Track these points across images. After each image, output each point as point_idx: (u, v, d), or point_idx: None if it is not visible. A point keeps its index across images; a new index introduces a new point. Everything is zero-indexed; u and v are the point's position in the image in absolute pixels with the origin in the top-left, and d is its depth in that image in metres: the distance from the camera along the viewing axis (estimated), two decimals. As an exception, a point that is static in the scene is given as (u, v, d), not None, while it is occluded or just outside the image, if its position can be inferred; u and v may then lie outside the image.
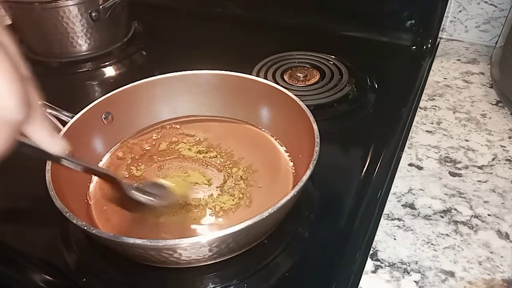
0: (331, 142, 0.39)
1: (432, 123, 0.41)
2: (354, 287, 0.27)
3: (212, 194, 0.33)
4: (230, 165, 0.36)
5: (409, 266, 0.28)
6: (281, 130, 0.38)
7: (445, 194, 0.33)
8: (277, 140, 0.39)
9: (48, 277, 0.30)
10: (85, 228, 0.25)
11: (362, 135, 0.42)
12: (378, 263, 0.28)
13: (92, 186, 0.35)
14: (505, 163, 0.36)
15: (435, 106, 0.44)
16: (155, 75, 0.40)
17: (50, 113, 0.33)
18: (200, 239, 0.24)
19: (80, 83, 0.53)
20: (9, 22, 0.56)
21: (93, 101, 0.36)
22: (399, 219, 0.31)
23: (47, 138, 0.20)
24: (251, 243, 0.29)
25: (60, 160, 0.22)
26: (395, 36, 0.55)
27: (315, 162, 0.29)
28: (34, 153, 0.20)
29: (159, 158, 0.37)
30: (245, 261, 0.29)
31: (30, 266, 0.31)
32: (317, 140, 0.30)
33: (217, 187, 0.34)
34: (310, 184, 0.34)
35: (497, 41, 0.49)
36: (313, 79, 0.48)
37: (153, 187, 0.30)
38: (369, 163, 0.37)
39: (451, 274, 0.27)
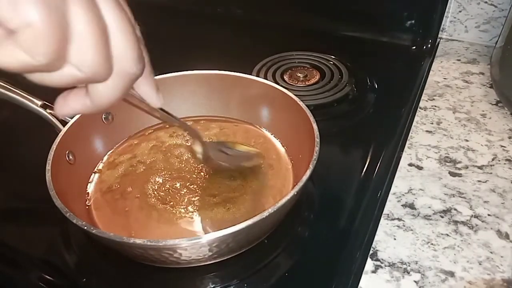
0: (331, 142, 0.39)
1: (432, 123, 0.41)
2: (354, 287, 0.27)
3: (211, 193, 0.33)
4: (230, 165, 0.36)
5: (409, 266, 0.28)
6: (281, 130, 0.38)
7: (445, 194, 0.33)
8: (277, 140, 0.39)
9: (48, 277, 0.30)
10: (85, 228, 0.25)
11: (362, 135, 0.42)
12: (378, 263, 0.28)
13: (92, 186, 0.35)
14: (505, 163, 0.36)
15: (435, 106, 0.44)
16: (155, 75, 0.40)
17: (50, 113, 0.33)
18: (200, 239, 0.24)
19: (80, 83, 0.53)
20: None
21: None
22: (399, 219, 0.31)
23: (151, 93, 0.23)
24: (251, 243, 0.29)
25: (154, 112, 0.25)
26: (395, 36, 0.55)
27: (315, 162, 0.29)
28: (136, 103, 0.23)
29: (159, 158, 0.37)
30: (245, 261, 0.29)
31: (30, 266, 0.31)
32: (317, 140, 0.30)
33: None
34: (310, 184, 0.34)
35: (497, 41, 0.49)
36: (313, 79, 0.48)
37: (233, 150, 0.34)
38: (369, 163, 0.37)
39: (451, 274, 0.27)
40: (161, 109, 0.25)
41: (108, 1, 0.17)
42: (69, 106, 0.19)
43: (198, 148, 0.32)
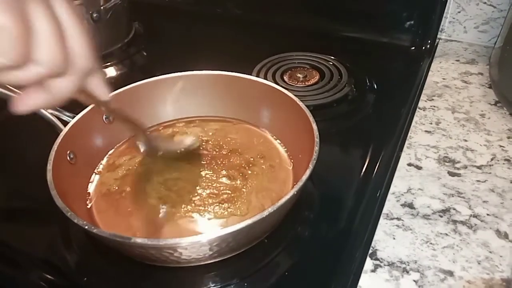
0: (331, 142, 0.39)
1: (431, 123, 0.41)
2: (353, 286, 0.27)
3: (211, 193, 0.33)
4: (230, 165, 0.36)
5: (408, 265, 0.28)
6: (281, 130, 0.39)
7: (444, 193, 0.33)
8: (277, 140, 0.39)
9: (49, 277, 0.30)
10: (86, 227, 0.25)
11: (361, 135, 0.42)
12: (378, 262, 0.28)
13: (93, 186, 0.35)
14: (503, 163, 0.36)
15: (434, 106, 0.44)
16: (156, 76, 0.40)
17: (51, 113, 0.34)
18: (201, 238, 0.24)
19: (81, 83, 0.53)
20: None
21: (94, 102, 0.36)
22: (398, 219, 0.31)
23: (100, 86, 0.23)
24: (251, 242, 0.29)
25: (101, 105, 0.26)
26: (394, 37, 0.55)
27: (315, 161, 0.29)
28: (84, 99, 0.24)
29: (160, 158, 0.37)
30: (245, 260, 0.29)
31: (30, 265, 0.31)
32: (317, 140, 0.31)
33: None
34: (309, 184, 0.35)
35: (495, 42, 0.49)
36: (312, 79, 0.48)
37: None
38: (368, 163, 0.38)
39: (450, 273, 0.27)
40: (105, 103, 0.26)
41: (61, 1, 0.18)
42: (31, 102, 0.20)
43: (141, 140, 0.33)
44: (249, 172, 0.35)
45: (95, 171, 0.36)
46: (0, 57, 0.16)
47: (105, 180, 0.35)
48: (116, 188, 0.34)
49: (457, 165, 0.36)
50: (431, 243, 0.29)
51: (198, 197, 0.33)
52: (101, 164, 0.37)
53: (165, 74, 0.40)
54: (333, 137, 0.41)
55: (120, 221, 0.31)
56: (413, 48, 0.55)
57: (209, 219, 0.31)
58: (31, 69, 0.17)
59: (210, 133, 0.40)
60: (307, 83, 0.48)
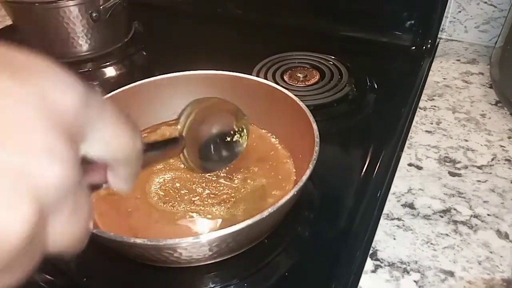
0: (331, 142, 0.39)
1: (432, 123, 0.41)
2: (354, 286, 0.27)
3: (211, 193, 0.33)
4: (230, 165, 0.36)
5: (408, 265, 0.28)
6: (281, 130, 0.38)
7: (444, 194, 0.33)
8: (277, 140, 0.39)
9: (48, 277, 0.30)
10: (86, 227, 0.25)
11: (361, 135, 0.42)
12: (378, 262, 0.28)
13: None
14: (504, 163, 0.36)
15: (435, 106, 0.44)
16: (156, 76, 0.40)
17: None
18: (200, 238, 0.24)
19: (81, 83, 0.53)
20: (9, 22, 0.56)
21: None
22: (398, 219, 0.31)
23: (122, 184, 0.17)
24: (251, 243, 0.29)
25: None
26: (394, 37, 0.55)
27: (315, 161, 0.29)
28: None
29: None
30: (245, 261, 0.29)
31: (30, 266, 0.31)
32: (317, 140, 0.30)
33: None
34: (310, 184, 0.34)
35: (496, 41, 0.49)
36: (313, 79, 0.48)
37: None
38: (368, 163, 0.37)
39: (451, 273, 0.27)
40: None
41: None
42: None
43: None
44: (249, 172, 0.35)
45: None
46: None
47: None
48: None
49: (458, 165, 0.36)
50: (431, 244, 0.29)
51: (197, 197, 0.33)
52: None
53: (165, 73, 0.40)
54: (334, 137, 0.41)
55: (120, 222, 0.31)
56: (414, 47, 0.55)
57: (209, 219, 0.31)
58: None
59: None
60: (307, 83, 0.48)
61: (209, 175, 0.35)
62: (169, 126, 0.41)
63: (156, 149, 0.24)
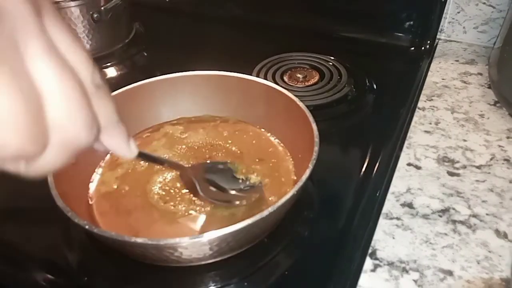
0: (331, 142, 0.39)
1: (431, 123, 0.41)
2: (353, 286, 0.27)
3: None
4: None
5: (407, 265, 0.28)
6: (281, 130, 0.39)
7: (443, 193, 0.33)
8: (277, 140, 0.39)
9: (50, 276, 0.30)
10: (87, 227, 0.25)
11: (361, 135, 0.42)
12: (377, 262, 0.28)
13: (93, 186, 0.35)
14: (503, 163, 0.36)
15: (434, 106, 0.44)
16: (156, 76, 0.40)
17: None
18: (201, 237, 0.24)
19: (81, 84, 0.54)
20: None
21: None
22: (397, 218, 0.31)
23: (121, 145, 0.19)
24: (251, 242, 0.29)
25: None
26: (393, 37, 0.55)
27: (315, 161, 0.29)
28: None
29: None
30: (245, 260, 0.29)
31: (31, 265, 0.31)
32: (317, 140, 0.31)
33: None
34: (309, 184, 0.35)
35: (495, 42, 0.49)
36: (312, 80, 0.48)
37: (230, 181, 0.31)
38: (368, 163, 0.38)
39: (450, 273, 0.27)
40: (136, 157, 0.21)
41: (44, 59, 0.13)
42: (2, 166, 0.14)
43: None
44: (249, 172, 0.35)
45: (96, 169, 0.36)
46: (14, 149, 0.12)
47: (107, 178, 0.35)
48: (117, 187, 0.34)
49: (457, 165, 0.36)
50: (430, 243, 0.29)
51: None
52: (102, 162, 0.37)
53: (166, 74, 0.40)
54: (333, 137, 0.41)
55: (120, 221, 0.32)
56: (413, 48, 0.55)
57: (209, 218, 0.31)
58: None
59: (210, 133, 0.40)
60: (307, 83, 0.48)
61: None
62: (173, 125, 0.41)
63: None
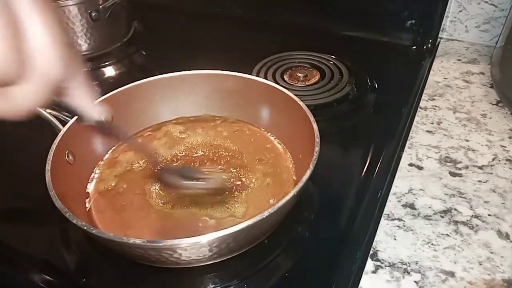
0: (331, 142, 0.39)
1: (432, 123, 0.41)
2: (354, 287, 0.27)
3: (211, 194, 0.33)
4: (230, 165, 0.36)
5: (409, 266, 0.28)
6: (281, 130, 0.38)
7: (445, 194, 0.33)
8: (277, 140, 0.39)
9: (48, 277, 0.30)
10: (85, 228, 0.25)
11: (362, 135, 0.42)
12: (378, 263, 0.28)
13: (92, 186, 0.35)
14: (505, 163, 0.36)
15: (435, 106, 0.44)
16: (155, 75, 0.40)
17: (50, 113, 0.33)
18: (200, 239, 0.24)
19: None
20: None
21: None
22: (399, 219, 0.31)
23: (87, 105, 0.20)
24: (251, 243, 0.29)
25: (99, 124, 0.22)
26: (395, 36, 0.55)
27: (315, 162, 0.29)
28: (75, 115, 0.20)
29: (160, 158, 0.37)
30: (245, 261, 0.29)
31: (29, 266, 0.31)
32: (317, 140, 0.30)
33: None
34: (310, 184, 0.34)
35: (497, 41, 0.49)
36: (313, 79, 0.48)
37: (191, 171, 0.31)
38: (369, 163, 0.37)
39: (451, 274, 0.27)
40: (102, 122, 0.22)
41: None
42: None
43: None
44: (249, 172, 0.35)
45: (95, 169, 0.36)
46: None
47: (105, 178, 0.35)
48: (117, 186, 0.34)
49: (459, 165, 0.36)
50: (432, 244, 0.29)
51: (198, 197, 0.33)
52: (101, 162, 0.37)
53: (164, 73, 0.40)
54: (334, 137, 0.41)
55: (119, 222, 0.31)
56: (414, 47, 0.54)
57: (209, 219, 0.31)
58: None
59: (210, 133, 0.40)
60: (307, 83, 0.48)
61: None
62: (172, 125, 0.41)
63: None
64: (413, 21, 0.53)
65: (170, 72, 0.40)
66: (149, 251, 0.25)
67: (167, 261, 0.26)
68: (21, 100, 0.16)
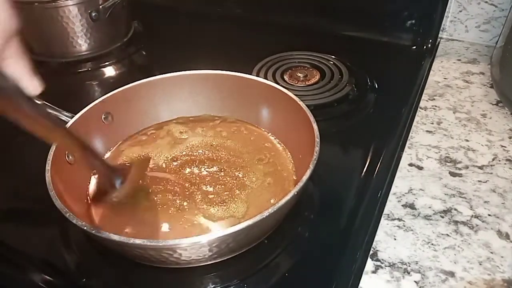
0: (331, 142, 0.39)
1: (432, 123, 0.41)
2: (354, 287, 0.27)
3: (211, 194, 0.33)
4: (230, 165, 0.36)
5: (409, 266, 0.28)
6: (281, 130, 0.38)
7: (445, 194, 0.33)
8: (277, 140, 0.39)
9: (48, 277, 0.30)
10: (85, 228, 0.25)
11: (362, 135, 0.42)
12: (378, 263, 0.28)
13: (92, 186, 0.35)
14: (505, 163, 0.36)
15: (435, 106, 0.44)
16: (155, 75, 0.40)
17: (50, 113, 0.33)
18: (200, 239, 0.24)
19: (80, 83, 0.53)
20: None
21: (93, 101, 0.36)
22: (399, 219, 0.31)
23: (25, 75, 0.19)
24: (251, 243, 0.29)
25: (31, 103, 0.21)
26: (395, 36, 0.55)
27: (315, 162, 0.29)
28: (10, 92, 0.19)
29: (160, 158, 0.37)
30: (245, 261, 0.29)
31: (30, 266, 0.31)
32: (317, 140, 0.30)
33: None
34: (310, 184, 0.34)
35: (497, 41, 0.49)
36: (313, 79, 0.48)
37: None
38: (369, 163, 0.37)
39: (451, 274, 0.27)
40: (36, 100, 0.21)
41: None
42: None
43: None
44: (249, 172, 0.35)
45: (94, 171, 0.36)
46: None
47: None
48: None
49: (459, 165, 0.36)
50: (432, 244, 0.29)
51: (198, 197, 0.33)
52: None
53: (164, 73, 0.40)
54: (334, 137, 0.41)
55: (119, 222, 0.31)
56: (414, 47, 0.54)
57: (209, 219, 0.31)
58: None
59: (210, 133, 0.40)
60: (307, 83, 0.48)
61: (209, 176, 0.35)
62: (172, 125, 0.41)
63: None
64: (413, 21, 0.53)
65: (170, 72, 0.40)
66: (149, 251, 0.25)
67: (167, 261, 0.26)
68: None
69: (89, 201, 0.33)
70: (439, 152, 0.37)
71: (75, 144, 0.26)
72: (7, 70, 0.19)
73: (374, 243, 0.29)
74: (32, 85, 0.20)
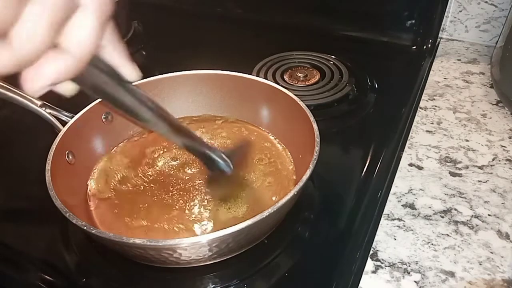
0: (331, 142, 0.39)
1: (432, 123, 0.41)
2: (354, 287, 0.27)
3: (212, 193, 0.33)
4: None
5: (409, 266, 0.28)
6: (281, 130, 0.38)
7: (445, 194, 0.33)
8: (277, 140, 0.39)
9: (48, 277, 0.30)
10: (85, 228, 0.25)
11: (362, 135, 0.42)
12: (378, 263, 0.28)
13: (92, 186, 0.35)
14: (505, 163, 0.36)
15: (435, 106, 0.44)
16: (155, 75, 0.40)
17: (50, 113, 0.33)
18: (200, 239, 0.24)
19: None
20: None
21: (93, 101, 0.36)
22: (399, 219, 0.31)
23: (124, 63, 0.19)
24: (251, 243, 0.29)
25: (129, 89, 0.21)
26: (395, 36, 0.55)
27: (315, 162, 0.29)
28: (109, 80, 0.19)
29: (160, 157, 0.37)
30: (245, 261, 0.29)
31: (29, 266, 0.31)
32: (317, 140, 0.30)
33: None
34: (310, 184, 0.34)
35: (497, 41, 0.49)
36: (313, 79, 0.48)
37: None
38: (369, 163, 0.37)
39: (451, 274, 0.27)
40: (134, 86, 0.20)
41: None
42: (47, 74, 0.14)
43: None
44: (249, 172, 0.35)
45: (94, 171, 0.36)
46: None
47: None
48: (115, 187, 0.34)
49: (459, 165, 0.36)
50: (432, 244, 0.29)
51: (198, 197, 0.33)
52: (100, 161, 0.37)
53: (164, 73, 0.40)
54: (334, 137, 0.41)
55: (119, 221, 0.31)
56: (414, 47, 0.54)
57: (209, 219, 0.31)
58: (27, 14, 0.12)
59: (210, 133, 0.40)
60: (307, 83, 0.48)
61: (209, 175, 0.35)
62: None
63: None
64: (413, 21, 0.53)
65: (170, 72, 0.40)
66: (149, 250, 0.25)
67: (167, 261, 0.26)
68: (82, 37, 0.15)
69: (89, 201, 0.33)
70: (439, 152, 0.37)
71: (179, 133, 0.24)
72: (106, 58, 0.18)
73: (374, 243, 0.29)
74: (132, 72, 0.20)
